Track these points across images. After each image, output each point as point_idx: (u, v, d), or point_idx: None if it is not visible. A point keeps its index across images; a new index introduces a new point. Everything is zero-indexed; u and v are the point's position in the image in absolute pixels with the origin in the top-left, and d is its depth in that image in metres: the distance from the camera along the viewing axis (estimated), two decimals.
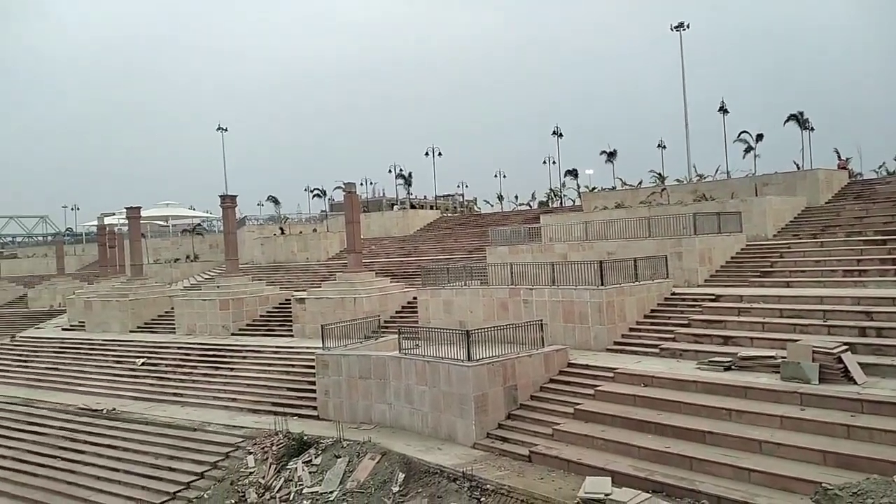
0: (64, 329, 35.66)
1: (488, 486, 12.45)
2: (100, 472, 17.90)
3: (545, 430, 14.26)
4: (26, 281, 56.28)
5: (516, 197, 58.82)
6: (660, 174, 44.42)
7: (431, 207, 56.95)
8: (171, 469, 17.14)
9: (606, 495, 11.02)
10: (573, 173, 54.94)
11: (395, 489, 13.36)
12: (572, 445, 13.44)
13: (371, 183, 72.51)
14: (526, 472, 12.89)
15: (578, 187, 51.84)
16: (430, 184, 61.72)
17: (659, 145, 53.16)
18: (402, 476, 13.68)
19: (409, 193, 64.69)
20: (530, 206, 52.29)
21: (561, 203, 52.09)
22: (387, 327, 23.25)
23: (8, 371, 29.49)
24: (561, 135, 54.00)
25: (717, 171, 38.01)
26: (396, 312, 25.73)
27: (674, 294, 19.88)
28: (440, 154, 58.61)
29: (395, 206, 57.52)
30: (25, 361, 30.33)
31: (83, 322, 34.63)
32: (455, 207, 66.64)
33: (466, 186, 71.61)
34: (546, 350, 16.53)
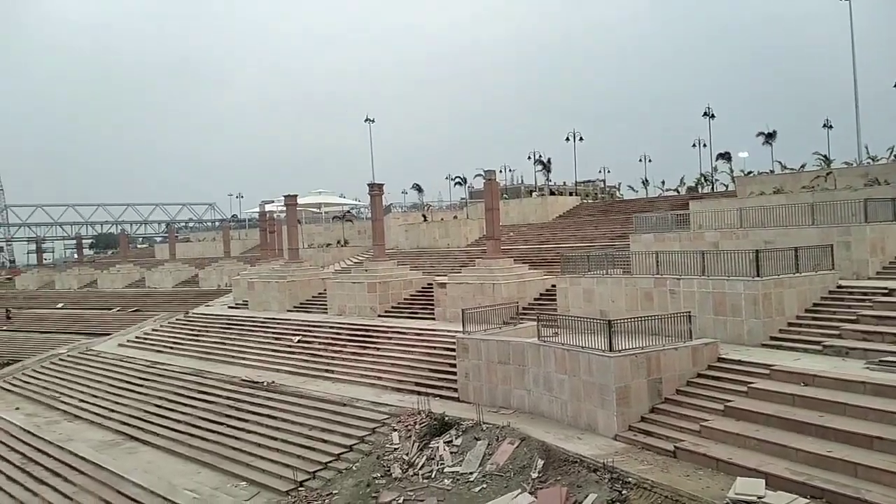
0: (230, 307, 38.89)
1: (630, 479, 12.19)
2: (260, 440, 19.41)
3: (692, 426, 13.71)
4: (197, 262, 61.95)
5: (663, 182, 56.19)
6: (825, 156, 40.70)
7: (571, 194, 55.92)
8: (323, 440, 18.28)
9: (759, 498, 10.44)
10: (726, 156, 51.69)
11: (534, 475, 13.42)
12: (721, 444, 12.83)
13: (510, 170, 72.56)
14: (670, 468, 12.48)
15: (732, 171, 48.63)
16: (570, 170, 60.64)
17: (824, 125, 48.80)
18: (540, 462, 13.72)
19: (548, 180, 64.01)
20: (678, 192, 49.84)
21: (712, 188, 49.22)
22: (525, 314, 23.27)
23: (182, 343, 32.64)
24: (713, 115, 50.99)
25: (891, 152, 34.13)
26: (535, 300, 25.68)
27: (840, 287, 18.27)
28: (581, 139, 57.37)
29: (533, 193, 57.12)
30: (197, 335, 33.42)
31: (246, 301, 37.62)
32: (596, 194, 65.01)
33: (608, 172, 69.57)
34: (694, 343, 15.83)
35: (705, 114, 50.99)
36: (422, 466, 15.44)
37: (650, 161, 60.78)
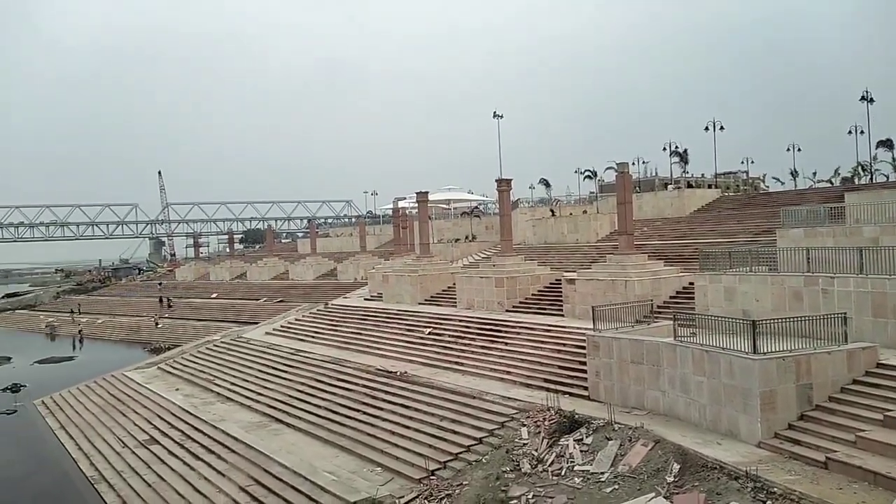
0: (365, 299, 40.52)
1: (775, 489, 11.46)
2: (394, 428, 20.10)
3: (846, 436, 12.67)
4: (336, 256, 65.06)
5: (814, 173, 52.19)
6: None
7: (710, 186, 53.18)
8: (453, 432, 18.63)
9: None
10: (887, 144, 47.08)
11: (670, 479, 12.95)
12: (880, 456, 11.77)
13: (643, 162, 70.03)
14: (821, 480, 11.61)
15: (894, 160, 44.25)
16: (709, 161, 57.87)
17: None
18: (676, 467, 13.22)
19: (684, 172, 61.23)
20: (831, 183, 46.13)
21: (871, 179, 45.05)
22: (659, 312, 22.45)
23: (322, 333, 34.41)
24: (871, 100, 46.51)
25: None
26: (670, 297, 24.71)
27: None
28: (721, 128, 54.36)
29: (668, 186, 54.90)
30: (335, 326, 35.10)
31: (381, 293, 39.04)
32: (737, 186, 61.35)
33: (751, 162, 65.29)
34: (850, 347, 14.62)
35: (863, 98, 46.62)
36: (551, 463, 15.35)
37: (799, 150, 56.40)
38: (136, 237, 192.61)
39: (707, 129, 54.03)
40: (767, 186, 58.83)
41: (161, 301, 64.26)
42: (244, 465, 19.77)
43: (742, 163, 66.10)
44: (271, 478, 18.41)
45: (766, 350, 14.03)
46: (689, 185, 52.38)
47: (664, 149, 58.98)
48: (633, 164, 61.54)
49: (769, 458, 12.89)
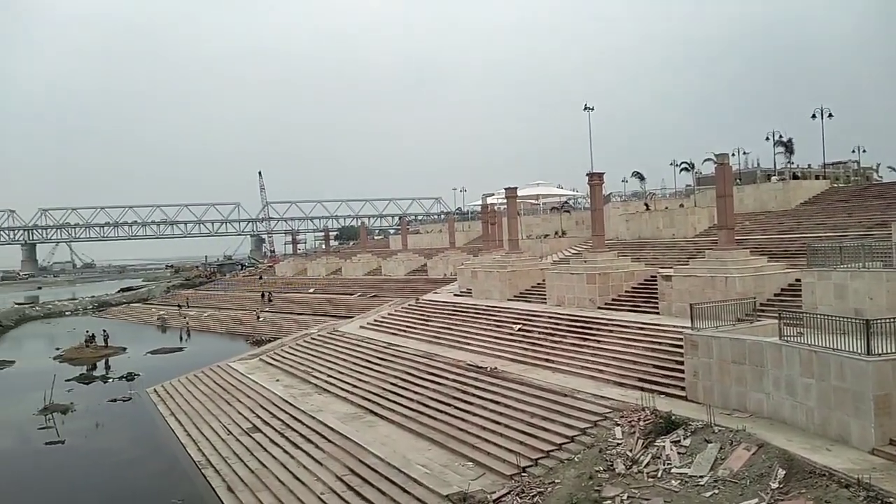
0: (455, 294, 40.84)
1: (891, 499, 10.73)
2: (484, 423, 20.18)
3: None
4: (426, 252, 65.92)
5: None
6: None
7: (818, 177, 50.07)
8: (544, 429, 18.52)
9: None
10: None
11: (774, 485, 12.36)
12: None
13: (744, 153, 66.58)
14: None
15: None
16: (816, 151, 54.34)
17: None
18: (781, 472, 12.59)
19: (789, 162, 57.92)
20: None
21: None
22: (762, 311, 21.42)
23: (413, 327, 34.96)
24: None
25: None
26: (774, 295, 23.52)
27: None
28: (830, 115, 51.08)
29: (771, 178, 52.09)
30: (426, 320, 35.58)
31: (470, 289, 39.25)
32: (848, 176, 57.47)
33: (864, 151, 60.95)
34: None
35: None
36: (646, 464, 14.98)
37: None
38: (239, 234, 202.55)
39: (814, 116, 50.98)
40: (881, 177, 54.81)
41: (263, 296, 67.18)
42: (340, 454, 20.41)
43: (853, 152, 61.87)
44: (366, 468, 18.92)
45: (882, 351, 13.13)
46: (795, 177, 49.43)
47: (767, 138, 56.05)
48: (733, 154, 58.66)
49: (884, 466, 12.08)
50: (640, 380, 20.01)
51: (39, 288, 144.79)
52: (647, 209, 47.08)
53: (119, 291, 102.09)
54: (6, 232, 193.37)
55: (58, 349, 50.49)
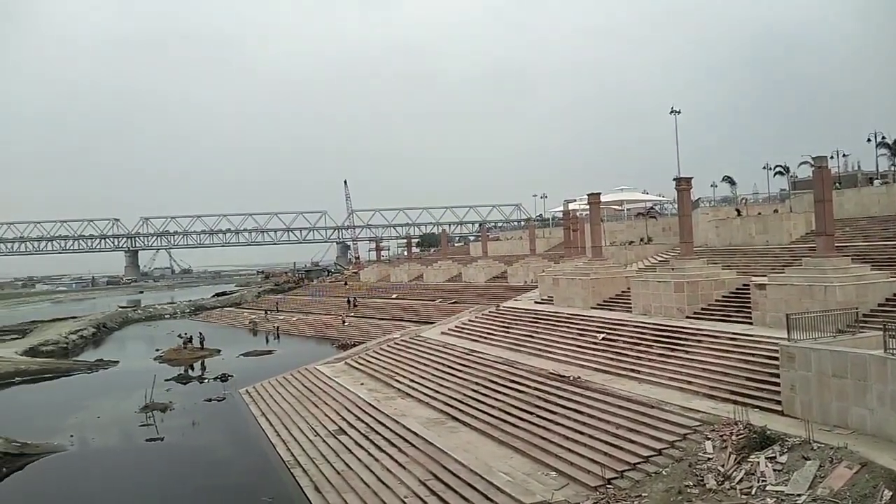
0: (535, 302, 40.55)
1: None
2: (567, 433, 19.91)
3: None
4: (506, 259, 65.81)
5: None
6: None
7: None
8: (630, 441, 18.09)
9: None
10: None
11: None
12: None
13: (843, 155, 63.15)
14: None
15: None
16: None
17: None
18: (887, 493, 11.83)
19: (893, 164, 54.44)
20: None
21: None
22: (865, 322, 20.13)
23: (494, 334, 34.94)
24: None
25: None
26: (878, 305, 22.09)
27: None
28: None
29: (874, 181, 49.04)
30: (507, 328, 35.48)
31: (551, 297, 38.87)
32: None
33: None
34: None
35: None
36: (739, 480, 14.38)
37: None
38: (325, 242, 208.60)
39: None
40: None
41: (348, 301, 68.84)
42: (423, 459, 20.63)
43: None
44: (449, 474, 19.04)
45: None
46: None
47: (868, 140, 52.97)
48: (832, 157, 55.76)
49: None
50: (732, 392, 19.25)
51: (141, 292, 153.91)
52: (739, 215, 45.30)
53: (214, 296, 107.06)
54: (111, 239, 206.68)
55: (157, 350, 53.46)
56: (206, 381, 41.66)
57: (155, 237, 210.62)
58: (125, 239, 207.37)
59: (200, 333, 55.66)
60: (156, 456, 26.65)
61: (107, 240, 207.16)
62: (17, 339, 61.84)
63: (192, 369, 46.49)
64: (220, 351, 52.68)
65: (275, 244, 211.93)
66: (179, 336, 54.20)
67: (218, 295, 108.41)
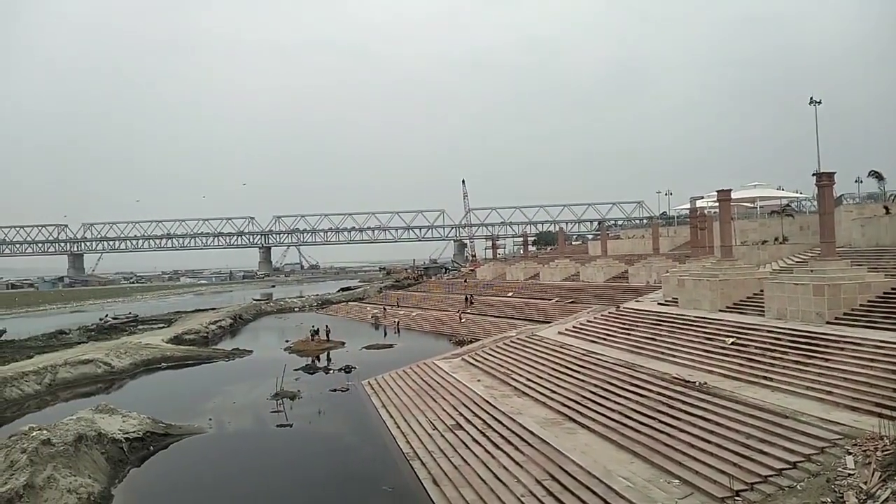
0: (659, 304, 39.13)
1: None
2: (692, 440, 19.10)
3: None
4: (626, 259, 63.96)
5: None
6: None
7: None
8: (761, 452, 17.09)
9: None
10: None
11: None
12: None
13: None
14: None
15: None
16: None
17: None
18: None
19: None
20: None
21: None
22: None
23: (614, 336, 34.08)
24: None
25: None
26: None
27: None
28: None
29: None
30: (627, 330, 34.49)
31: (676, 298, 37.37)
32: None
33: None
34: None
35: None
36: (885, 501, 13.24)
37: None
38: (443, 239, 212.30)
39: None
40: None
41: (466, 299, 69.59)
42: (540, 459, 20.52)
43: None
44: (566, 475, 18.83)
45: None
46: None
47: None
48: None
49: None
50: (877, 405, 17.73)
51: (273, 286, 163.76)
52: (888, 212, 41.47)
53: (339, 291, 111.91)
54: (247, 237, 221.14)
55: (287, 341, 56.54)
56: (331, 371, 43.53)
57: (286, 234, 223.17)
58: (259, 236, 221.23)
59: (327, 326, 58.29)
60: (285, 441, 28.23)
61: (243, 237, 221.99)
62: (163, 328, 67.66)
63: (319, 360, 48.69)
64: (344, 343, 54.91)
65: (395, 242, 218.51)
66: (310, 329, 57.01)
67: (343, 290, 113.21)
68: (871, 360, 20.65)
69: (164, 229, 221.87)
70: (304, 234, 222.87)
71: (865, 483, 14.06)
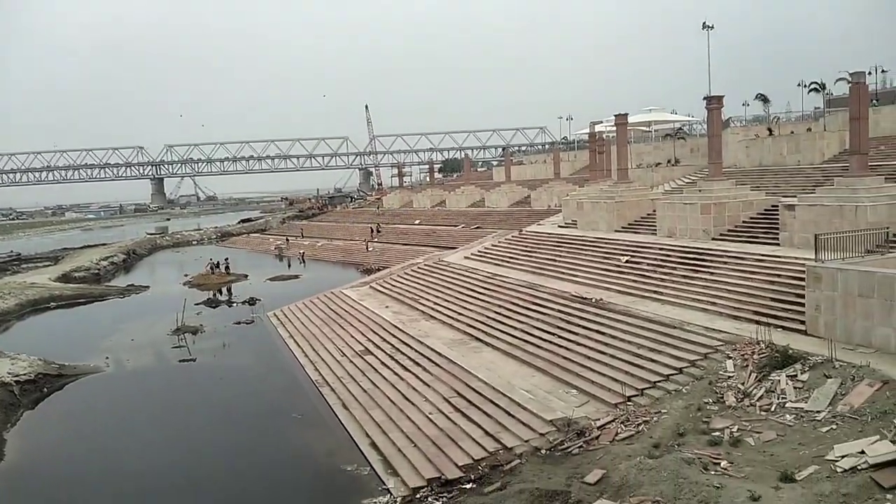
0: (559, 226, 40.33)
1: None
2: (589, 353, 20.18)
3: None
4: (529, 184, 65.14)
5: None
6: None
7: None
8: (651, 360, 18.29)
9: None
10: None
11: None
12: None
13: (882, 71, 60.57)
14: None
15: None
16: None
17: None
18: None
19: None
20: None
21: None
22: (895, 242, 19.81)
23: (517, 258, 35.00)
24: None
25: None
26: None
27: None
28: None
29: None
30: (529, 252, 35.47)
31: (575, 221, 38.63)
32: None
33: None
34: None
35: None
36: (759, 398, 14.54)
37: None
38: (348, 168, 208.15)
39: None
40: None
41: (373, 228, 69.07)
42: (447, 377, 21.11)
43: None
44: (472, 391, 19.50)
45: None
46: None
47: None
48: (870, 73, 53.54)
49: None
50: (756, 313, 19.23)
51: (168, 220, 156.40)
52: (770, 134, 44.01)
53: (239, 222, 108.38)
54: (136, 167, 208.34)
55: (186, 276, 54.65)
56: (234, 304, 42.62)
57: (179, 164, 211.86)
58: (150, 167, 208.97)
59: (226, 259, 56.59)
60: (189, 376, 27.63)
61: (132, 168, 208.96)
62: (49, 265, 63.67)
63: (221, 293, 47.51)
64: (247, 276, 53.68)
65: (297, 171, 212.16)
66: (208, 261, 55.18)
67: (243, 221, 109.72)
68: (752, 273, 22.25)
69: (44, 161, 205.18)
70: (200, 164, 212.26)
71: (743, 384, 15.35)
